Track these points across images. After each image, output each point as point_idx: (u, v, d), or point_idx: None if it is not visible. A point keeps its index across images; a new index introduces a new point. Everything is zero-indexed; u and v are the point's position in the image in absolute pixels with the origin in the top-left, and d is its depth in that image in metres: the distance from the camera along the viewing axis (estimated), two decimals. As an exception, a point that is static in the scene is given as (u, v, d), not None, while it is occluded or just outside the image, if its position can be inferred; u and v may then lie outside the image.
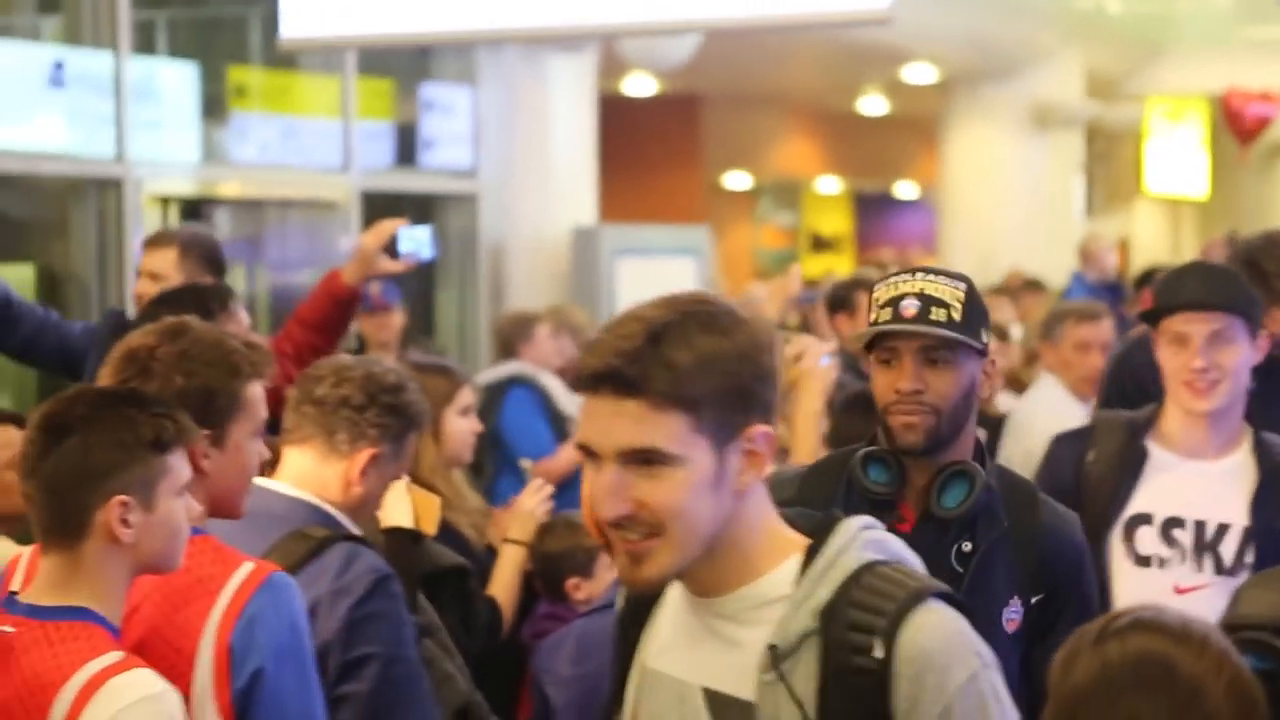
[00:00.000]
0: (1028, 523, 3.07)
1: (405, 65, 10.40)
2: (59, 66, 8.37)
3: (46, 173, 8.52)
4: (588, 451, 1.99)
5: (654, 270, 9.99)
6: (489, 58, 10.29)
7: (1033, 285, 10.94)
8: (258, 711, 2.81)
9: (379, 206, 9.47)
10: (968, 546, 3.00)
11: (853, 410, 4.99)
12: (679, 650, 2.11)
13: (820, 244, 19.04)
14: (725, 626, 2.05)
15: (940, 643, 1.96)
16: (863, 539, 2.05)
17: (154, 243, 5.11)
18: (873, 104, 16.43)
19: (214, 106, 9.40)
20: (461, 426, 4.84)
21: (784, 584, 2.02)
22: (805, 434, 4.65)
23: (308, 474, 3.41)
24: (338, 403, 3.42)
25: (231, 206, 9.90)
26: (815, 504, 2.74)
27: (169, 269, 4.77)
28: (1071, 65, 15.29)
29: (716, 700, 2.03)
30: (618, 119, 11.78)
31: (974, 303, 3.02)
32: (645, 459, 1.94)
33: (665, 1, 7.26)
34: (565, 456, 6.41)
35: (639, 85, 13.55)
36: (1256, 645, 2.18)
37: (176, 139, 9.06)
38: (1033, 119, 14.81)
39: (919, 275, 3.05)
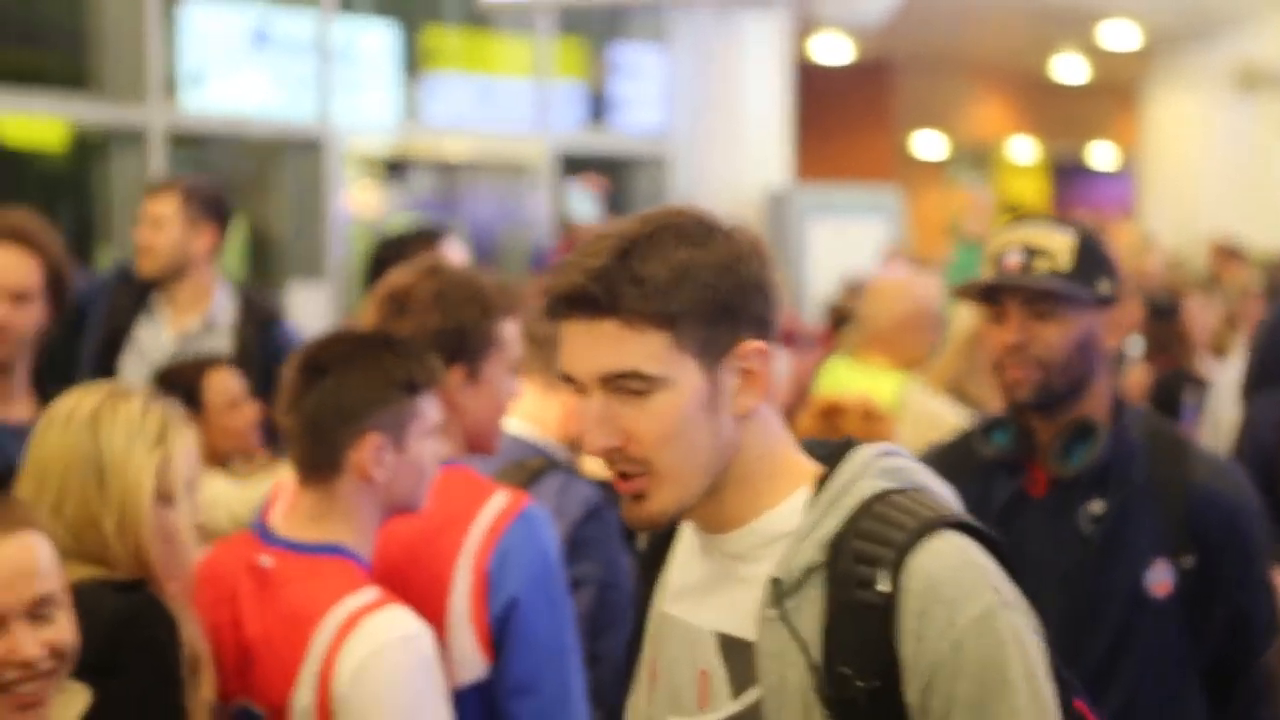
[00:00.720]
0: (1174, 477, 2.88)
1: (597, 25, 10.46)
2: (263, 28, 8.56)
3: (251, 135, 8.74)
4: (572, 382, 1.87)
5: (845, 230, 10.03)
6: (681, 18, 10.31)
7: (1231, 252, 10.78)
8: (513, 638, 2.90)
9: (571, 169, 9.61)
10: (1098, 507, 2.84)
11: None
12: (692, 594, 1.97)
13: (1013, 211, 18.94)
14: (735, 565, 1.90)
15: (949, 573, 1.78)
16: (878, 466, 1.88)
17: (156, 190, 5.12)
18: (1069, 67, 16.22)
19: (411, 67, 9.53)
20: None
21: (794, 516, 1.87)
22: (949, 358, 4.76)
23: (530, 409, 3.50)
24: (554, 338, 3.50)
25: (428, 168, 10.02)
26: (958, 484, 2.40)
27: (171, 215, 4.82)
28: (1277, 27, 14.97)
29: (729, 644, 1.88)
30: (810, 84, 11.78)
31: (1089, 251, 2.86)
32: (628, 385, 1.80)
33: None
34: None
35: (832, 50, 13.54)
36: None
37: (375, 100, 9.20)
38: (1238, 81, 14.49)
39: (1025, 225, 2.94)
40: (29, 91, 7.59)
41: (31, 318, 3.86)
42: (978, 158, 18.48)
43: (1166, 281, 8.19)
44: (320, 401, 2.84)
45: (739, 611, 1.86)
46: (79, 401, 2.79)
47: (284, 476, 3.33)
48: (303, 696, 2.76)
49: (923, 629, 1.75)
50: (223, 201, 5.21)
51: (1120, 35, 14.27)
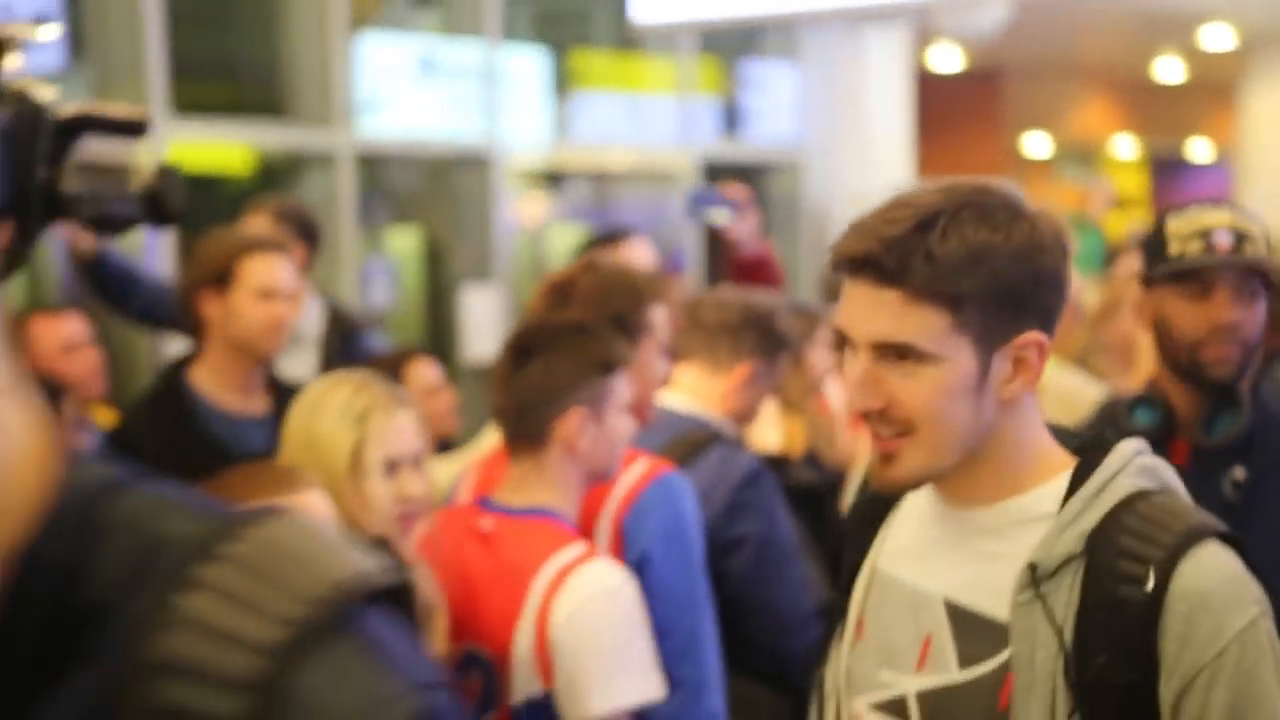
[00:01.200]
0: None
1: (733, 43, 10.39)
2: (431, 57, 8.63)
3: (424, 154, 8.80)
4: (843, 337, 1.78)
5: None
6: (810, 34, 10.25)
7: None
8: (646, 588, 2.90)
9: (712, 177, 9.63)
10: (1240, 474, 2.74)
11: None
12: (920, 558, 1.87)
13: (1118, 205, 18.70)
14: (980, 540, 1.82)
15: (1219, 584, 1.69)
16: (1137, 464, 1.79)
17: (251, 213, 5.22)
18: (1169, 69, 16.04)
19: (564, 87, 9.54)
20: (820, 359, 4.89)
21: (1050, 502, 1.78)
22: (1143, 359, 4.73)
23: (696, 388, 3.60)
24: (718, 326, 3.65)
25: (582, 179, 10.05)
26: None
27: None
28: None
29: (959, 614, 1.79)
30: (927, 91, 11.76)
31: (1268, 238, 2.79)
32: (900, 353, 1.71)
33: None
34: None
35: (947, 60, 13.50)
36: None
37: (532, 119, 9.18)
38: (1330, 80, 14.30)
39: (1222, 208, 2.82)
40: (226, 120, 7.70)
41: (298, 316, 4.03)
42: (1083, 155, 18.24)
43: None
44: (529, 382, 2.95)
45: (978, 584, 1.79)
46: (312, 390, 2.96)
47: (475, 454, 3.48)
48: (522, 641, 2.86)
49: (1189, 633, 1.66)
50: (310, 222, 5.37)
51: (1217, 37, 14.08)
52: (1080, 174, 17.89)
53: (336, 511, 2.66)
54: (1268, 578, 2.11)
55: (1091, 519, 1.72)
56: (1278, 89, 14.38)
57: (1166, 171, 19.19)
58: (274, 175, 8.01)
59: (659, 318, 3.40)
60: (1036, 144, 17.29)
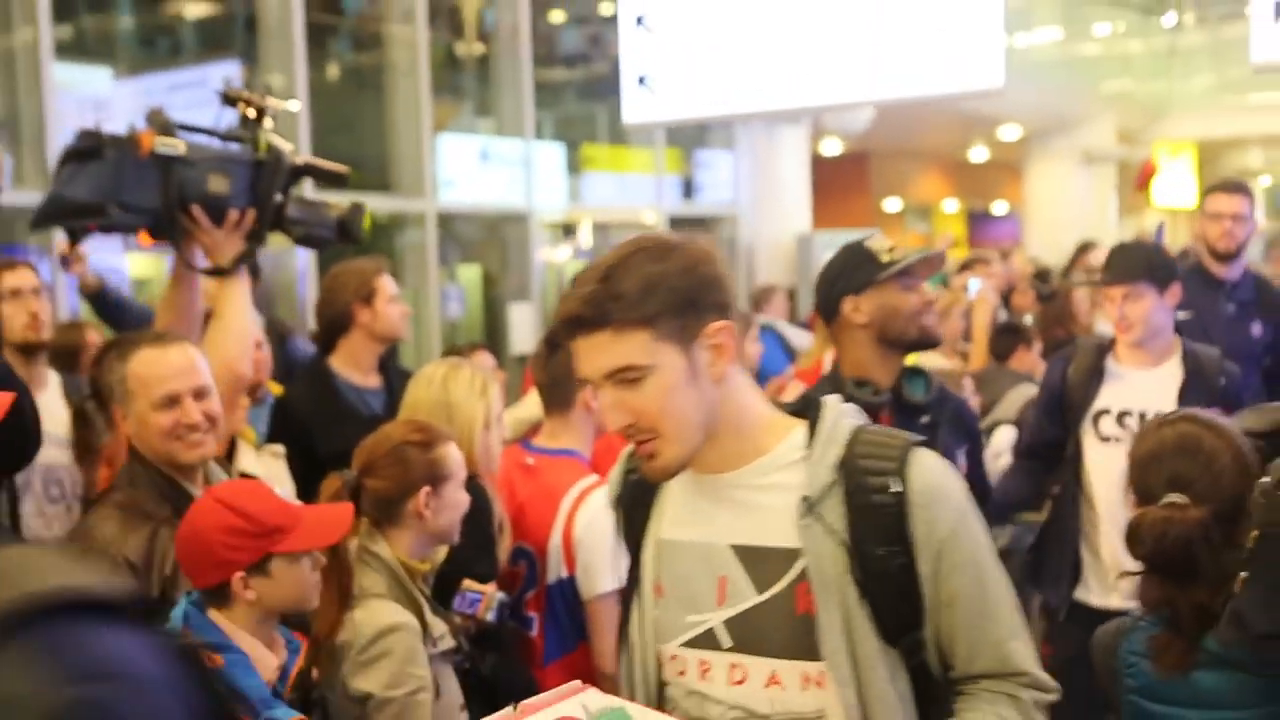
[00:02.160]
0: None
1: (689, 138, 10.34)
2: (487, 149, 8.62)
3: (484, 214, 8.77)
4: (587, 383, 1.57)
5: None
6: (742, 131, 10.20)
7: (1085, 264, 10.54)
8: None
9: (675, 227, 9.59)
10: (926, 419, 2.74)
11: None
12: (697, 522, 1.62)
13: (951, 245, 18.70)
14: (745, 494, 1.58)
15: (940, 478, 1.56)
16: (847, 410, 1.63)
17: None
18: (979, 153, 16.03)
19: (575, 169, 9.51)
20: (753, 352, 4.71)
21: (793, 451, 1.58)
22: (979, 345, 4.70)
23: None
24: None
25: (588, 230, 9.90)
26: None
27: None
28: (1106, 124, 14.72)
29: (745, 552, 1.57)
30: (819, 168, 11.71)
31: None
32: (625, 375, 1.50)
33: (851, 87, 6.86)
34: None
35: (831, 147, 13.46)
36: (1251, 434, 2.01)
37: (555, 190, 9.18)
38: (1081, 160, 14.29)
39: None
40: (352, 192, 7.71)
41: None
42: (923, 212, 18.23)
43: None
44: (557, 365, 2.88)
45: (755, 528, 1.57)
46: (433, 370, 2.84)
47: (519, 413, 3.42)
48: (554, 540, 2.83)
49: (932, 519, 1.52)
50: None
51: (1010, 132, 14.11)
52: (920, 224, 17.88)
53: (466, 457, 2.54)
54: None
55: (835, 452, 1.56)
56: (1050, 166, 14.39)
57: (978, 222, 19.15)
58: (384, 229, 7.97)
59: None
60: (892, 204, 17.25)
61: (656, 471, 1.56)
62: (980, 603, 1.54)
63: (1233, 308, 4.26)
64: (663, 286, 1.48)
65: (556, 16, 9.77)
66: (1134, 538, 1.96)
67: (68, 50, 6.27)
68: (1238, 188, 4.32)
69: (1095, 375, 3.34)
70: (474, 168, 8.49)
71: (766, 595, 1.55)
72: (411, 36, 7.70)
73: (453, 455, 2.42)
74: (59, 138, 5.53)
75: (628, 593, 1.73)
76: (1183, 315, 3.62)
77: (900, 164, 16.41)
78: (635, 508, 1.71)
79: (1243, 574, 1.82)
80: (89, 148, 2.31)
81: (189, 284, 2.56)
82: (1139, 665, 2.00)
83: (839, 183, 14.47)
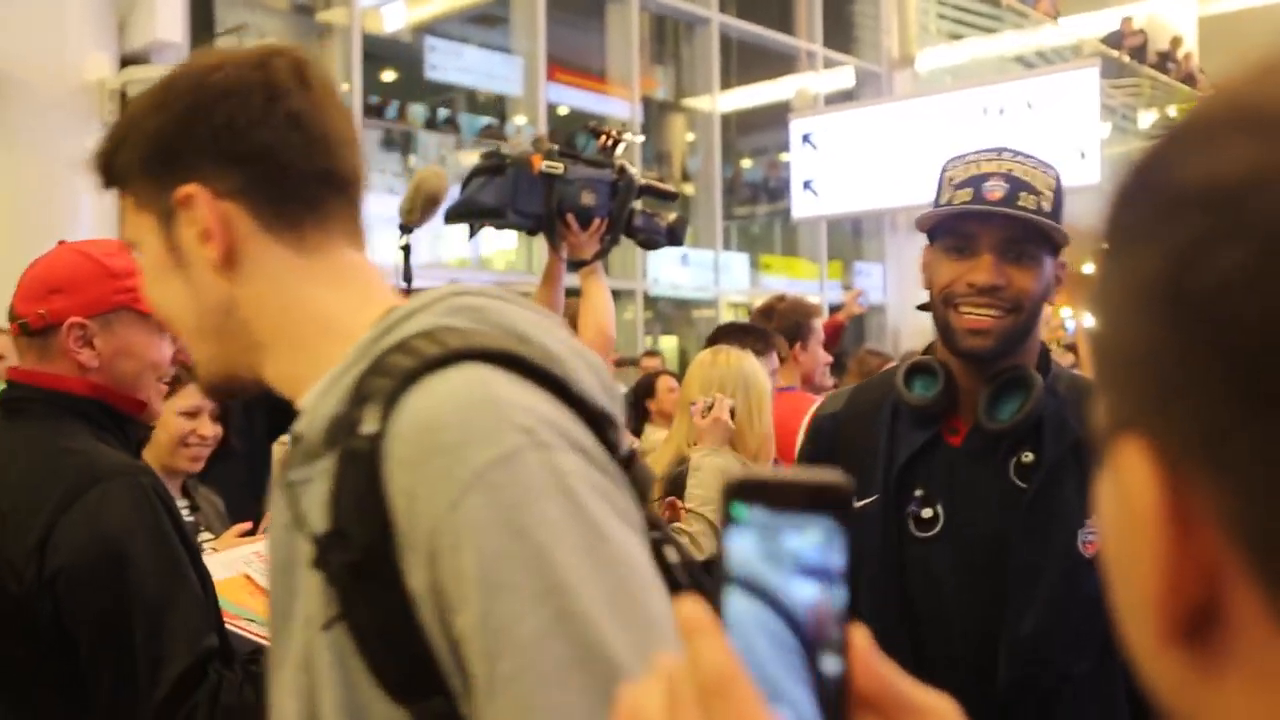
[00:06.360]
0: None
1: (848, 252, 10.82)
2: (685, 255, 9.40)
3: (683, 297, 9.67)
4: None
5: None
6: (890, 241, 10.60)
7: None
8: None
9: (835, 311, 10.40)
10: (1029, 457, 1.51)
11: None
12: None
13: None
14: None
15: (455, 412, 0.73)
16: (447, 304, 0.83)
17: None
18: (1088, 267, 16.15)
19: (758, 270, 10.31)
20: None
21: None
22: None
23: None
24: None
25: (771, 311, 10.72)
26: (864, 418, 1.63)
27: None
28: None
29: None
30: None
31: (1061, 196, 1.51)
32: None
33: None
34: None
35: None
36: None
37: (740, 281, 9.99)
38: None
39: (1005, 154, 1.51)
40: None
41: None
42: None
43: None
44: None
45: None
46: (715, 351, 2.86)
47: None
48: None
49: (414, 485, 0.72)
50: None
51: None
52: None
53: (759, 427, 2.64)
54: (1043, 562, 1.44)
55: (361, 367, 0.79)
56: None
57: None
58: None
59: (817, 325, 3.61)
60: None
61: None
62: (526, 678, 0.67)
63: None
64: (136, 132, 0.90)
65: (746, 163, 10.95)
66: None
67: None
68: None
69: None
70: (676, 267, 9.49)
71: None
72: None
73: None
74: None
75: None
76: None
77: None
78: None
79: None
80: (495, 165, 2.61)
81: (558, 275, 2.68)
82: None
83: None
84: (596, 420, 0.77)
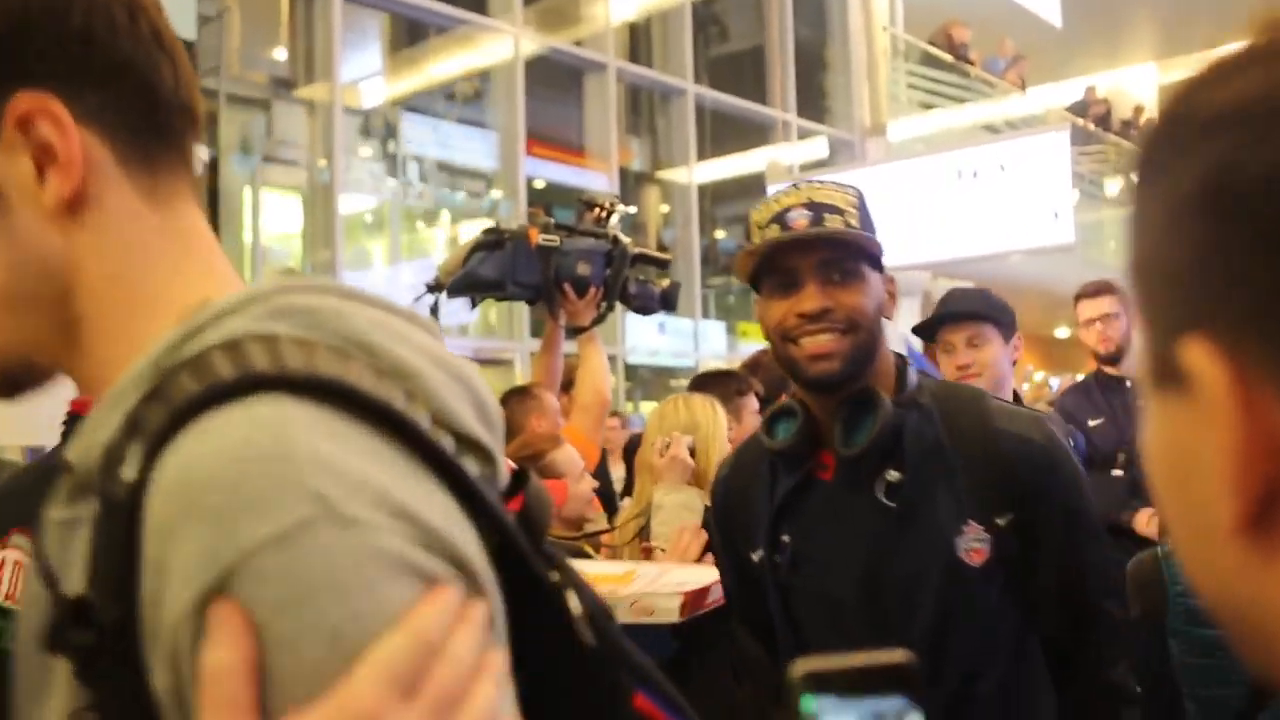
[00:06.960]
0: (975, 436, 1.47)
1: None
2: (663, 324, 9.32)
3: (661, 364, 9.56)
4: None
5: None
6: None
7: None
8: None
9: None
10: (895, 475, 1.46)
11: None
12: None
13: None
14: None
15: (233, 465, 0.48)
16: (274, 305, 0.56)
17: None
18: (1061, 331, 16.55)
19: (735, 336, 10.32)
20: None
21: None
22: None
23: None
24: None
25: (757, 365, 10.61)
26: (747, 473, 1.61)
27: None
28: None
29: None
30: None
31: (867, 211, 1.49)
32: None
33: (938, 248, 7.51)
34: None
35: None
36: None
37: (718, 348, 9.94)
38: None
39: (802, 184, 1.50)
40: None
41: None
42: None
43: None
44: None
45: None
46: (669, 400, 2.77)
47: None
48: None
49: (167, 558, 0.48)
50: None
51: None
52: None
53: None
54: (922, 571, 1.41)
55: (146, 385, 0.55)
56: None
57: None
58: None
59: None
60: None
61: None
62: None
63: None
64: None
65: (720, 233, 10.95)
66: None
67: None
68: (1099, 290, 3.60)
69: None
70: (655, 335, 9.47)
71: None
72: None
73: (561, 456, 2.55)
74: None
75: None
76: (1094, 423, 3.42)
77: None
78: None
79: None
80: (494, 240, 2.68)
81: (557, 342, 2.81)
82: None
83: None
84: (465, 450, 0.58)
